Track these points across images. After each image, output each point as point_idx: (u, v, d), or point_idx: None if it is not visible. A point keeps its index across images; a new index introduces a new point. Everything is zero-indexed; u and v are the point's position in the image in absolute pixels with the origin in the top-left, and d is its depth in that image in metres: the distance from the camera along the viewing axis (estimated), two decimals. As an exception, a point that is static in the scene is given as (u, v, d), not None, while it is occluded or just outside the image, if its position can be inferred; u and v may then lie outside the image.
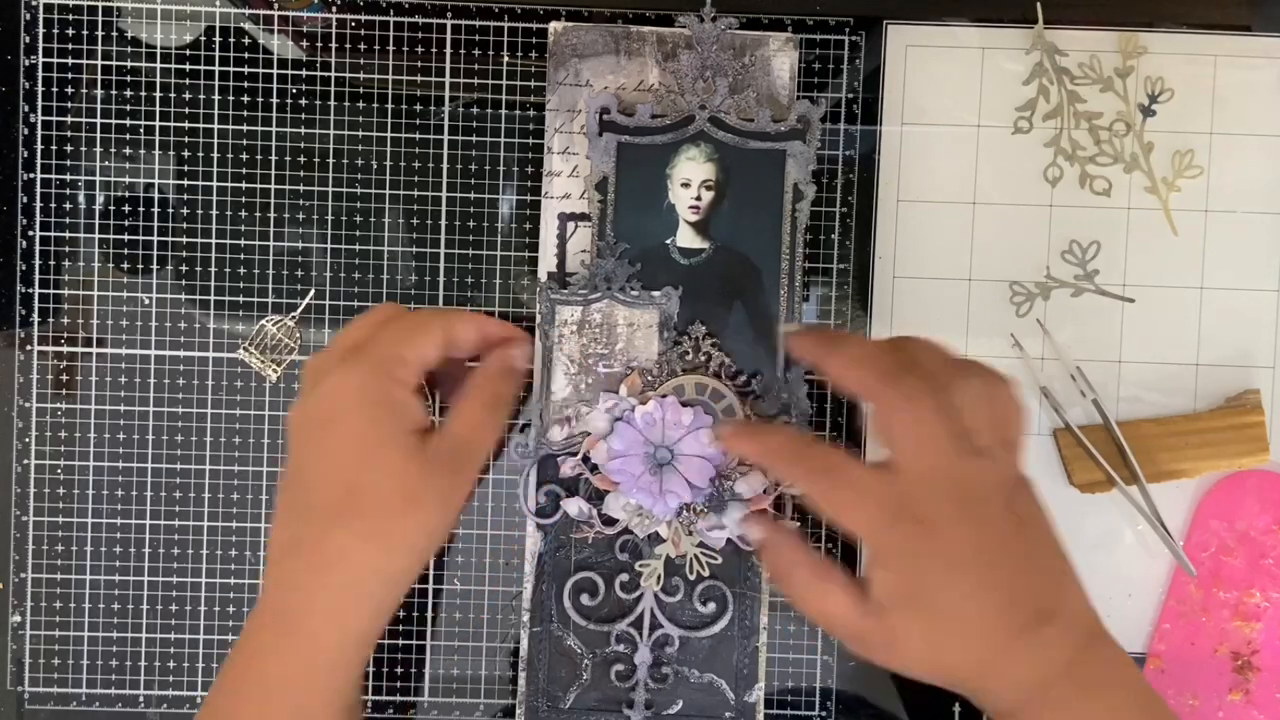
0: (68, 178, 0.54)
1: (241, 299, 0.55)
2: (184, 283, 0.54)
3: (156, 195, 0.54)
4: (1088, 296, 0.55)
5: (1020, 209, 0.55)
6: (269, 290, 0.55)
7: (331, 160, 0.54)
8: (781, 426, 0.45)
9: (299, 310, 0.54)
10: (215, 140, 0.54)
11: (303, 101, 0.54)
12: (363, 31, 0.54)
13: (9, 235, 0.54)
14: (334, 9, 0.54)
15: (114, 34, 0.54)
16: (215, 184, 0.54)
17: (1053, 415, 0.54)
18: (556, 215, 0.54)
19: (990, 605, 0.40)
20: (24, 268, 0.54)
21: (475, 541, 0.55)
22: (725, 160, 0.52)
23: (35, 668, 0.55)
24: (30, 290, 0.54)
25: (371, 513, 0.42)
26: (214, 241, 0.54)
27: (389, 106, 0.54)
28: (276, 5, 0.54)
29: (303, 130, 0.54)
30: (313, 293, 0.55)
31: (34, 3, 0.54)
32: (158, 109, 0.54)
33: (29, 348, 0.54)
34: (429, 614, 0.55)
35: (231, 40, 0.54)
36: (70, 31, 0.54)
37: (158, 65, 0.54)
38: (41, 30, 0.54)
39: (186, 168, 0.54)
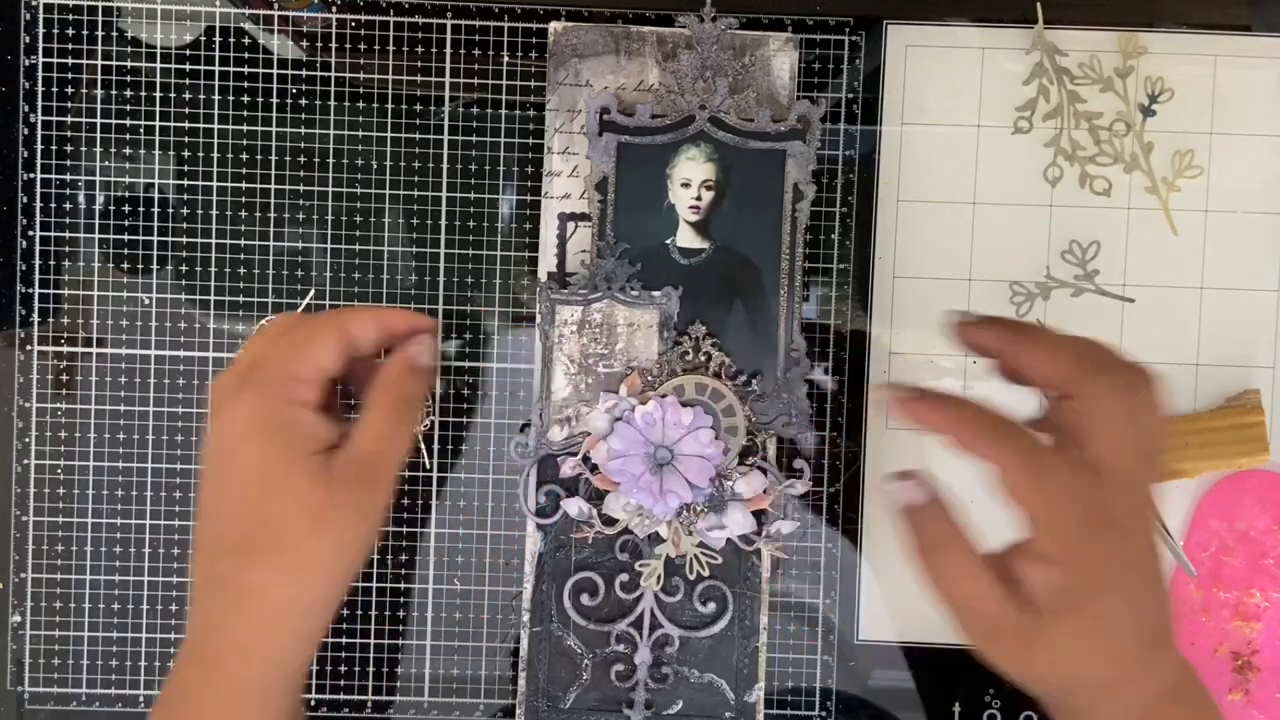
0: (68, 178, 0.54)
1: (241, 299, 0.55)
2: (184, 283, 0.54)
3: (156, 195, 0.54)
4: (1088, 296, 0.55)
5: (1020, 209, 0.55)
6: (269, 290, 0.55)
7: (331, 160, 0.54)
8: (965, 398, 0.42)
9: (299, 310, 0.54)
10: (215, 140, 0.54)
11: (303, 101, 0.54)
12: (363, 31, 0.54)
13: (9, 235, 0.54)
14: (334, 9, 0.54)
15: (114, 34, 0.54)
16: (215, 184, 0.54)
17: (1053, 415, 0.54)
18: (556, 215, 0.54)
19: (1135, 619, 0.39)
20: (24, 268, 0.54)
21: (475, 541, 0.55)
22: (725, 160, 0.52)
23: (35, 668, 0.55)
24: (30, 290, 0.54)
25: (281, 543, 0.40)
26: (214, 241, 0.54)
27: (389, 106, 0.54)
28: (276, 5, 0.54)
29: (303, 130, 0.54)
30: (313, 293, 0.55)
31: (34, 3, 0.54)
32: (158, 109, 0.54)
33: (29, 348, 0.54)
34: (429, 614, 0.55)
35: (231, 40, 0.54)
36: (70, 31, 0.54)
37: (158, 65, 0.54)
38: (41, 30, 0.54)
39: (186, 168, 0.54)
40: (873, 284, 0.55)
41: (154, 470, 0.54)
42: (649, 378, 0.52)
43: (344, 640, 0.55)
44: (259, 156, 0.54)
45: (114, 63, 0.54)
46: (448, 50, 0.54)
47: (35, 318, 0.54)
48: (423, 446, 0.55)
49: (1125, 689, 0.39)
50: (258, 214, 0.54)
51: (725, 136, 0.52)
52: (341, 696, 0.55)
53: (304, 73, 0.54)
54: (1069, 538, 0.38)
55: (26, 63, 0.54)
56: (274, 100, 0.54)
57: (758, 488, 0.51)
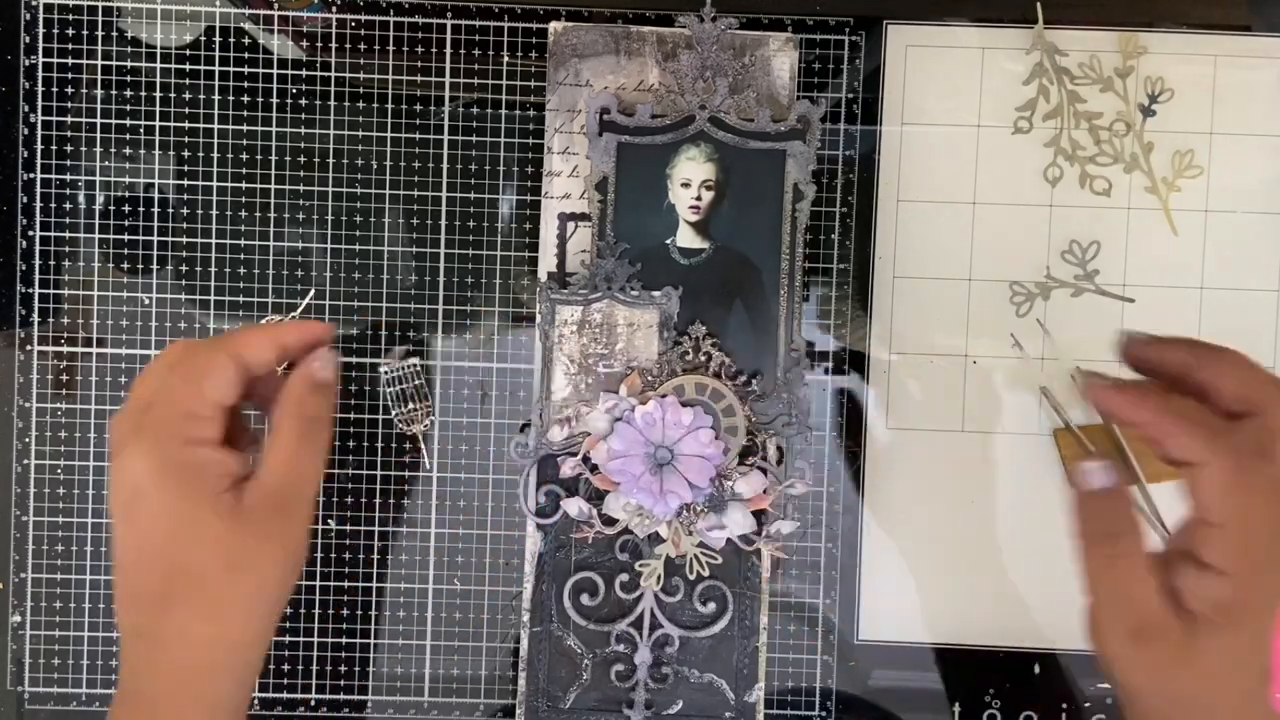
0: (68, 178, 0.54)
1: (241, 299, 0.55)
2: (184, 283, 0.54)
3: (156, 195, 0.54)
4: (1088, 296, 0.55)
5: (1020, 209, 0.55)
6: (269, 290, 0.55)
7: (331, 160, 0.54)
8: (1169, 391, 0.41)
9: (299, 310, 0.54)
10: (215, 140, 0.54)
11: (303, 101, 0.54)
12: (363, 31, 0.54)
13: (9, 235, 0.54)
14: (334, 9, 0.54)
15: (114, 34, 0.54)
16: (215, 184, 0.54)
17: (1053, 415, 0.54)
18: (556, 215, 0.54)
19: (1270, 648, 0.39)
20: (24, 268, 0.54)
21: (475, 541, 0.55)
22: (725, 160, 0.52)
23: (35, 668, 0.55)
24: (30, 290, 0.54)
25: (199, 590, 0.40)
26: (214, 241, 0.54)
27: (389, 106, 0.54)
28: (276, 5, 0.54)
29: (303, 130, 0.54)
30: (313, 293, 0.55)
31: (34, 3, 0.54)
32: (158, 109, 0.54)
33: (29, 348, 0.54)
34: (429, 614, 0.55)
35: (231, 40, 0.54)
36: (70, 31, 0.54)
37: (158, 65, 0.54)
38: (41, 30, 0.54)
39: (186, 168, 0.54)
40: (873, 284, 0.55)
41: (154, 470, 0.54)
42: (649, 378, 0.52)
43: (344, 640, 0.55)
44: (259, 156, 0.54)
45: (114, 63, 0.54)
46: (448, 50, 0.54)
47: (35, 318, 0.54)
48: (423, 446, 0.55)
49: (1241, 714, 0.39)
50: (258, 214, 0.54)
51: (725, 136, 0.52)
52: (341, 696, 0.55)
53: (304, 73, 0.54)
54: (1252, 553, 0.38)
55: (26, 63, 0.54)
56: (274, 100, 0.54)
57: (758, 488, 0.51)
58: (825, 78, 0.54)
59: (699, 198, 0.52)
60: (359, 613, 0.55)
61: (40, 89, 0.54)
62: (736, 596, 0.53)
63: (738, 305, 0.52)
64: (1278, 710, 0.40)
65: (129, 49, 0.54)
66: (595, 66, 0.53)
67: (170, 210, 0.54)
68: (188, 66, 0.54)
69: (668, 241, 0.52)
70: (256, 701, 0.54)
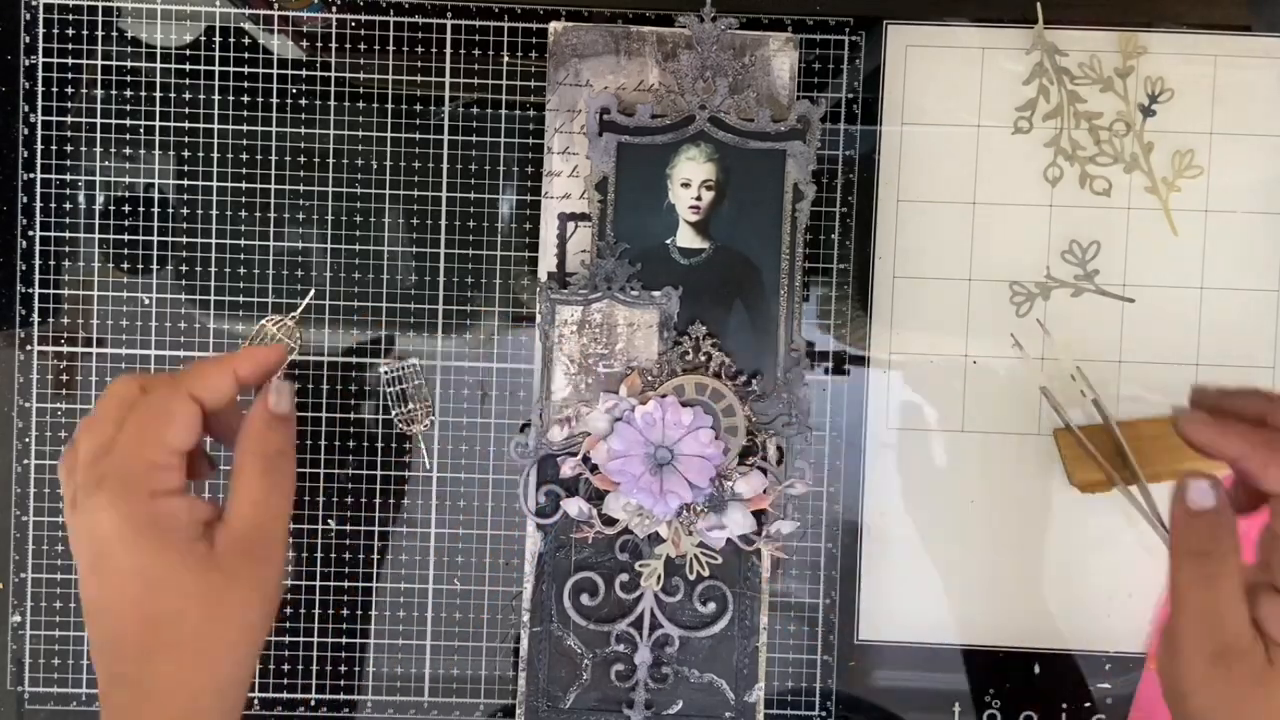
0: (68, 178, 0.54)
1: (241, 299, 0.55)
2: (184, 283, 0.54)
3: (156, 195, 0.54)
4: (1088, 296, 0.55)
5: (1020, 209, 0.55)
6: (269, 290, 0.55)
7: (331, 160, 0.54)
8: (1260, 428, 0.41)
9: (299, 310, 0.54)
10: (215, 140, 0.54)
11: (303, 101, 0.54)
12: (363, 31, 0.54)
13: (9, 235, 0.54)
14: (334, 9, 0.54)
15: (114, 34, 0.54)
16: (215, 184, 0.54)
17: (1053, 415, 0.54)
18: (556, 215, 0.54)
19: None
20: (24, 268, 0.54)
21: (475, 541, 0.55)
22: (725, 160, 0.52)
23: (35, 668, 0.55)
24: (30, 290, 0.54)
25: (180, 639, 0.39)
26: (214, 241, 0.54)
27: (389, 106, 0.54)
28: (276, 5, 0.54)
29: (303, 130, 0.54)
30: (313, 293, 0.55)
31: (34, 3, 0.54)
32: (158, 109, 0.54)
33: (29, 348, 0.54)
34: (429, 614, 0.55)
35: (231, 40, 0.54)
36: (70, 31, 0.54)
37: (158, 65, 0.54)
38: (41, 30, 0.54)
39: (186, 168, 0.54)
40: (873, 284, 0.55)
41: (154, 470, 0.54)
42: (649, 378, 0.52)
43: (344, 640, 0.55)
44: (259, 156, 0.54)
45: (114, 63, 0.54)
46: (448, 50, 0.54)
47: (35, 318, 0.54)
48: (423, 446, 0.55)
49: None
50: (258, 214, 0.54)
51: (725, 136, 0.52)
52: (341, 696, 0.55)
53: (304, 73, 0.54)
54: None
55: (26, 63, 0.54)
56: (274, 100, 0.54)
57: (758, 488, 0.51)
58: (825, 78, 0.54)
59: (699, 198, 0.52)
60: (359, 613, 0.55)
61: (40, 89, 0.54)
62: (736, 596, 0.53)
63: (738, 305, 0.52)
64: None
65: (129, 49, 0.54)
66: (595, 66, 0.53)
67: (170, 210, 0.54)
68: (188, 66, 0.54)
69: (668, 241, 0.52)
70: (256, 701, 0.54)
